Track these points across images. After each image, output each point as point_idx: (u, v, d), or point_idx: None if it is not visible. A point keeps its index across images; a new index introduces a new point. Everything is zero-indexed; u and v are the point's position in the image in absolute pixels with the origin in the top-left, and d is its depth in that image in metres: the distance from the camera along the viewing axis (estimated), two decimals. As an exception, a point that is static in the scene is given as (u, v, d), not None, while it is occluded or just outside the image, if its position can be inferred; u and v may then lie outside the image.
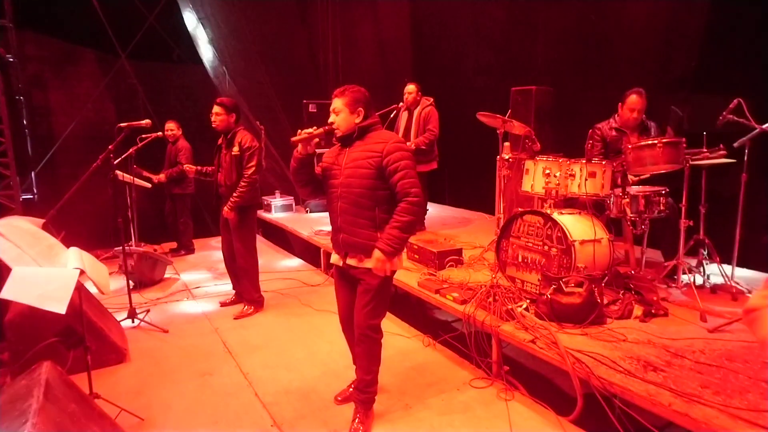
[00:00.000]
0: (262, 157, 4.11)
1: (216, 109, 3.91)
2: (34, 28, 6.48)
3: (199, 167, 4.35)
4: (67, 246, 2.73)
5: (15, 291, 2.11)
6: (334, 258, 2.64)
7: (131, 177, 4.87)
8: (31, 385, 1.84)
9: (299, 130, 2.50)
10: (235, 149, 3.92)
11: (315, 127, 2.50)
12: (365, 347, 2.57)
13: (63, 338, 3.00)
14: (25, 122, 6.39)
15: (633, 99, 3.82)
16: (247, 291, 4.22)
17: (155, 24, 6.69)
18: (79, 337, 2.78)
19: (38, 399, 1.72)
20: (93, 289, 3.64)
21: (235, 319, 4.09)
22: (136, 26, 6.62)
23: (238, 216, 4.01)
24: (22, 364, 2.76)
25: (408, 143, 4.88)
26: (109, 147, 3.55)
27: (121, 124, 3.66)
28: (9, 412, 1.70)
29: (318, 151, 2.65)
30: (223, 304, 4.37)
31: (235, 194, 3.91)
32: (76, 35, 6.79)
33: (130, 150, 4.83)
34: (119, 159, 3.92)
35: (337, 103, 2.47)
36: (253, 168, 3.93)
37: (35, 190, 6.50)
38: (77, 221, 5.55)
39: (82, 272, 2.37)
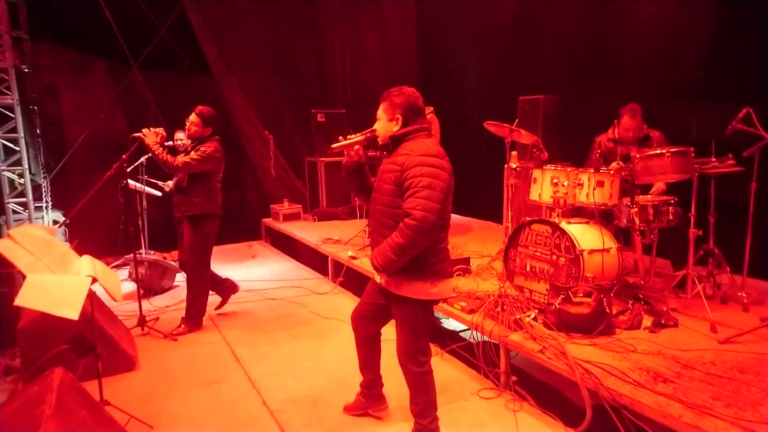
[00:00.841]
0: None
1: (193, 117, 3.81)
2: (48, 38, 6.61)
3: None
4: (79, 254, 2.77)
5: (29, 298, 2.14)
6: (377, 276, 2.47)
7: (142, 186, 4.93)
8: (44, 392, 1.86)
9: (339, 137, 2.40)
10: (192, 153, 3.74)
11: (356, 134, 2.38)
12: (406, 378, 2.44)
13: (74, 346, 3.03)
14: (38, 131, 6.49)
15: (625, 121, 3.90)
16: (188, 306, 3.98)
17: (167, 35, 6.80)
18: (90, 345, 2.81)
19: (51, 405, 1.75)
20: (103, 297, 3.68)
21: (164, 337, 3.86)
22: (148, 37, 6.73)
23: (192, 225, 3.83)
24: (34, 370, 2.79)
25: None
26: (123, 156, 3.60)
27: (135, 134, 3.69)
28: (22, 417, 1.73)
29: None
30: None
31: (157, 150, 3.59)
32: (89, 46, 6.92)
33: (142, 159, 4.88)
34: (131, 168, 3.96)
35: (379, 109, 2.31)
36: (191, 161, 3.64)
37: (47, 198, 6.58)
38: (87, 229, 5.62)
39: (94, 280, 2.41)
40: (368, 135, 2.36)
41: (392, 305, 2.38)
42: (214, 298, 4.33)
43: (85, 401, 2.11)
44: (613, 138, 4.00)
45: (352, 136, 2.39)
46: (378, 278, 2.47)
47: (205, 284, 4.05)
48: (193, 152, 3.74)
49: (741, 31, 4.14)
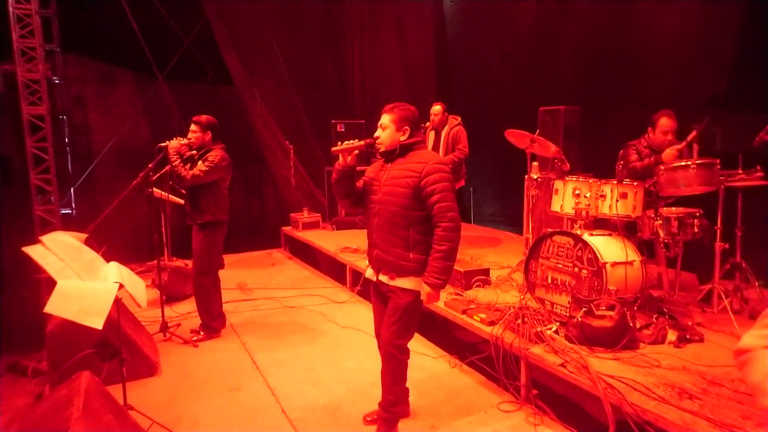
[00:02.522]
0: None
1: (192, 126, 3.86)
2: (77, 50, 6.83)
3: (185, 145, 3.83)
4: (106, 260, 2.83)
5: (58, 306, 2.20)
6: (369, 273, 2.68)
7: (166, 194, 5.02)
8: (72, 395, 1.91)
9: (339, 142, 2.55)
10: (200, 164, 3.76)
11: (356, 140, 2.54)
12: (389, 366, 2.59)
13: (99, 350, 3.09)
14: (66, 140, 6.69)
15: (665, 122, 3.76)
16: (201, 315, 4.04)
17: (191, 47, 6.96)
18: (114, 350, 2.86)
19: (78, 408, 1.79)
20: (127, 302, 3.75)
21: (184, 343, 3.91)
22: (173, 49, 6.90)
23: (201, 233, 3.85)
24: (61, 373, 2.85)
25: None
26: (149, 165, 3.68)
27: (161, 144, 3.77)
28: (51, 419, 1.77)
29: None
30: (193, 331, 4.11)
31: (175, 162, 3.69)
32: (116, 57, 7.12)
33: (166, 167, 4.98)
34: (156, 176, 4.05)
35: (384, 119, 2.50)
36: (199, 173, 3.68)
37: (73, 206, 6.76)
38: (112, 235, 5.75)
39: (120, 286, 2.46)
40: (367, 142, 2.53)
41: (392, 297, 2.52)
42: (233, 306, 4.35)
43: (110, 405, 2.16)
44: (648, 146, 3.88)
45: (351, 142, 2.53)
46: (372, 276, 2.62)
47: (216, 290, 4.08)
48: (200, 163, 3.78)
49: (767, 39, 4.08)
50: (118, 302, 2.66)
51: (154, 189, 4.17)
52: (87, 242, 2.79)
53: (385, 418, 2.63)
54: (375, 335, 2.77)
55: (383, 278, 2.55)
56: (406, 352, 2.59)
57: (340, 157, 2.54)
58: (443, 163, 2.46)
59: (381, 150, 2.52)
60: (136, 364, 3.28)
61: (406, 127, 2.47)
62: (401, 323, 2.50)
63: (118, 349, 2.77)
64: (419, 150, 2.51)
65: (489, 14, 6.92)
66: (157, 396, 3.17)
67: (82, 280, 2.38)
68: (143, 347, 3.42)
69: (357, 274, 5.15)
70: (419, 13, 8.06)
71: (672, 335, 3.05)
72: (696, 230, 3.39)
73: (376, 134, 2.53)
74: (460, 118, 5.28)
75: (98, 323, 2.23)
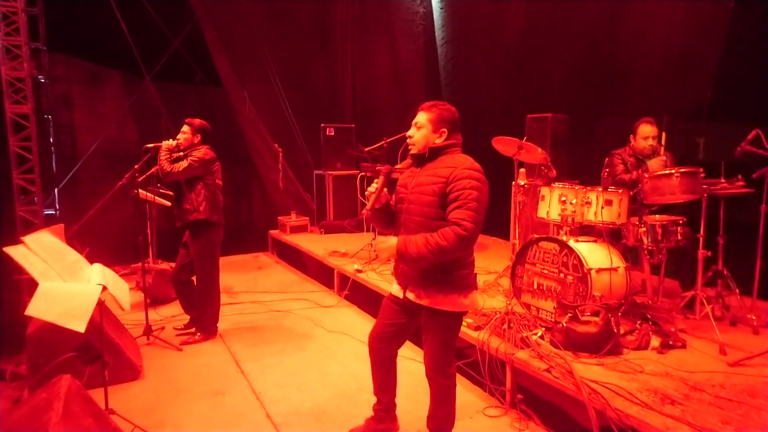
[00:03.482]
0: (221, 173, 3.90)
1: (184, 127, 3.87)
2: (64, 50, 6.74)
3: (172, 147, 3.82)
4: (90, 262, 2.79)
5: (39, 308, 2.17)
6: (395, 289, 2.47)
7: (152, 195, 4.97)
8: (51, 398, 1.87)
9: (364, 199, 2.34)
10: (184, 161, 3.77)
11: (375, 181, 2.35)
12: (432, 390, 2.45)
13: (80, 353, 3.04)
14: (51, 140, 6.59)
15: (645, 128, 3.84)
16: (202, 317, 4.04)
17: (180, 48, 6.91)
18: (97, 353, 2.81)
19: (58, 412, 1.76)
20: (110, 305, 3.69)
21: (181, 344, 3.90)
22: (162, 49, 6.85)
23: (193, 234, 3.87)
24: (41, 377, 2.80)
25: None
26: (135, 166, 3.65)
27: (148, 145, 3.74)
28: (29, 423, 1.73)
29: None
30: (176, 329, 4.19)
31: (162, 157, 3.70)
32: (104, 57, 7.04)
33: (153, 169, 4.93)
34: (142, 177, 4.01)
35: (420, 117, 2.29)
36: (181, 167, 3.67)
37: (57, 206, 6.65)
38: (96, 237, 5.67)
39: (104, 288, 2.43)
40: (385, 172, 2.33)
41: (424, 319, 2.36)
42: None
43: (91, 409, 2.12)
44: (632, 154, 3.94)
45: (373, 187, 2.33)
46: (399, 293, 2.42)
47: (215, 293, 4.06)
48: (190, 154, 3.78)
49: (750, 51, 4.16)
50: (101, 305, 2.62)
51: (140, 190, 4.13)
52: (67, 237, 2.75)
53: None
54: (370, 338, 2.56)
55: (410, 296, 2.35)
56: (451, 375, 2.41)
57: (369, 203, 2.32)
58: (476, 170, 2.18)
59: (412, 152, 2.30)
60: (119, 368, 3.23)
61: (444, 129, 2.25)
62: (437, 348, 2.34)
63: (101, 352, 2.73)
64: (451, 153, 2.27)
65: (478, 22, 6.97)
66: (139, 400, 3.12)
67: (65, 282, 2.34)
68: (126, 351, 3.37)
69: (345, 279, 5.14)
70: (409, 19, 8.10)
71: (655, 341, 3.09)
72: (679, 238, 3.44)
73: (409, 132, 2.32)
74: None
75: (80, 326, 2.19)
